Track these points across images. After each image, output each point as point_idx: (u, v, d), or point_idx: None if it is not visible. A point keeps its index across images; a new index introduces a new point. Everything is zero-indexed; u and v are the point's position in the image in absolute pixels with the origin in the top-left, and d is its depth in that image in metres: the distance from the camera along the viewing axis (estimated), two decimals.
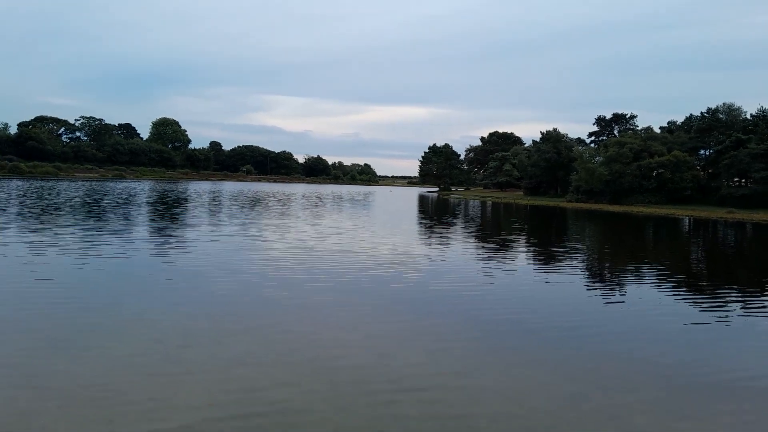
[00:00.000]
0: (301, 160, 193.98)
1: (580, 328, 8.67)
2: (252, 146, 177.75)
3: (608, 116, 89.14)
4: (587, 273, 14.89)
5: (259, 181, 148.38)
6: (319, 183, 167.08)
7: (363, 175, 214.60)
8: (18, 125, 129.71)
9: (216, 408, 5.19)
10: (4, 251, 13.66)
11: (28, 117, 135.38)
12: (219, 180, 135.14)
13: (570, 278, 13.51)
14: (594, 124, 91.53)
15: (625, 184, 59.77)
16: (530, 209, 52.41)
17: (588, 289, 12.25)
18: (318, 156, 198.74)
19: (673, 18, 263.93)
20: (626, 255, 19.54)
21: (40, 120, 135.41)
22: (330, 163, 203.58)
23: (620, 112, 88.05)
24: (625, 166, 60.05)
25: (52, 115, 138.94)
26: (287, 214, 32.19)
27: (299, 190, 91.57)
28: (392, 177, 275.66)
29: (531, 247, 20.76)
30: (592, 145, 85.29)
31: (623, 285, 13.09)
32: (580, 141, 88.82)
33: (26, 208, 27.63)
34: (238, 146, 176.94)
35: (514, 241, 23.20)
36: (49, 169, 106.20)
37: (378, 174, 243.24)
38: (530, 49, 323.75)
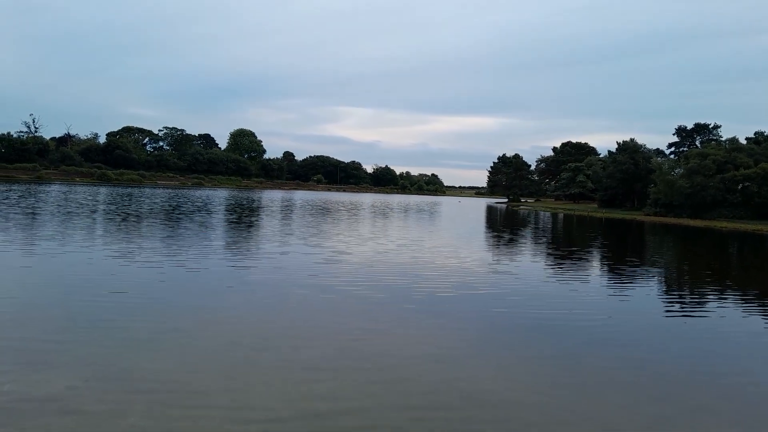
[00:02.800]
0: (369, 170, 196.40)
1: (663, 351, 8.38)
2: (323, 156, 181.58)
3: (689, 126, 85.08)
4: (673, 294, 14.30)
5: (329, 190, 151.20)
6: (387, 193, 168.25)
7: (430, 186, 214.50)
8: (107, 135, 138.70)
9: (292, 412, 5.33)
10: (90, 254, 14.68)
11: (116, 127, 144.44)
12: (291, 189, 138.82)
13: (655, 300, 13.03)
14: (674, 134, 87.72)
15: (707, 197, 56.71)
16: (605, 222, 50.73)
17: (676, 316, 11.78)
18: (386, 166, 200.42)
19: (762, 23, 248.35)
20: (711, 274, 18.57)
21: (127, 130, 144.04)
22: (398, 173, 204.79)
23: (702, 122, 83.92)
24: (707, 179, 57.01)
25: (138, 126, 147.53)
26: (360, 224, 32.70)
27: (367, 199, 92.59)
28: (459, 187, 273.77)
29: (621, 265, 20.15)
30: (672, 156, 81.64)
31: (705, 308, 12.47)
32: (659, 152, 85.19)
33: (115, 214, 29.47)
34: (310, 156, 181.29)
35: (605, 257, 22.57)
36: (134, 176, 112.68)
37: (445, 184, 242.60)
38: (605, 58, 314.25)
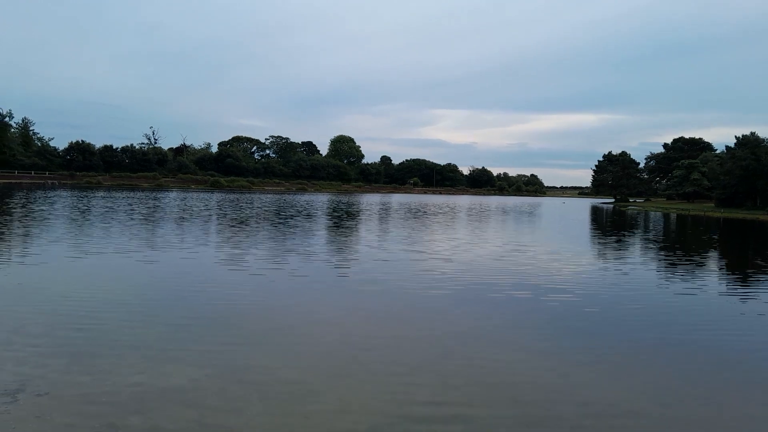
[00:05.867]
0: (465, 171, 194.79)
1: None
2: (419, 159, 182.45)
3: None
4: None
5: (425, 193, 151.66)
6: (484, 194, 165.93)
7: (529, 186, 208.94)
8: (218, 144, 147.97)
9: (398, 415, 5.35)
10: (203, 255, 15.64)
11: (227, 137, 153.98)
12: (388, 192, 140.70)
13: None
14: None
15: None
16: (723, 222, 46.92)
17: None
18: (482, 167, 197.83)
19: None
20: None
21: (236, 139, 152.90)
22: (495, 174, 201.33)
23: None
24: None
25: (246, 135, 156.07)
26: (458, 226, 32.49)
27: (464, 201, 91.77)
28: (561, 188, 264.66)
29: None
30: None
31: None
32: None
33: (232, 219, 31.26)
34: (406, 160, 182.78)
35: (728, 263, 20.95)
36: (243, 183, 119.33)
37: (545, 185, 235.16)
38: (717, 46, 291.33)
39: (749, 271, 16.89)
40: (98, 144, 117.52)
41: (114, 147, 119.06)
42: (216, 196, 67.16)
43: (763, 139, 73.60)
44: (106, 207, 36.58)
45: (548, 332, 8.62)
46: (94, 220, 26.26)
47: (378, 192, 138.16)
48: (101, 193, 61.47)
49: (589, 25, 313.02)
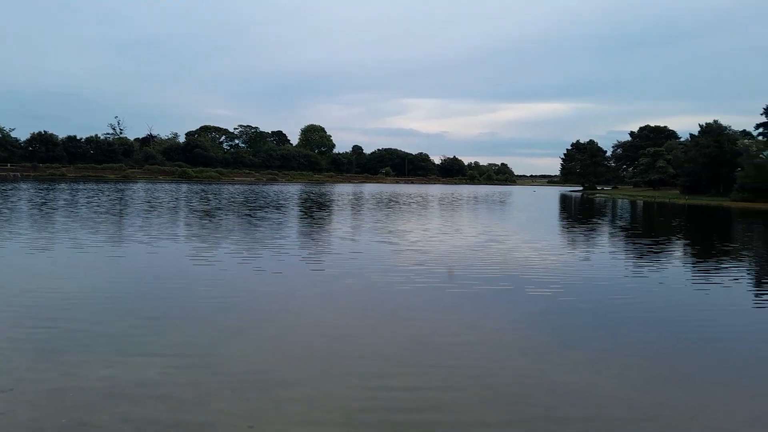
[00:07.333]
0: (437, 161, 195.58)
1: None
2: (390, 149, 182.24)
3: None
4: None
5: (397, 182, 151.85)
6: (455, 183, 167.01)
7: (500, 175, 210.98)
8: (186, 134, 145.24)
9: (372, 403, 5.36)
10: (171, 249, 15.42)
11: (194, 127, 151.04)
12: (360, 182, 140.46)
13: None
14: (762, 114, 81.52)
15: None
16: (688, 209, 48.12)
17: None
18: (454, 156, 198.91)
19: None
20: None
21: (204, 129, 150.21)
22: (466, 163, 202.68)
23: None
24: None
25: (215, 125, 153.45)
26: (431, 216, 32.63)
27: (436, 191, 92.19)
28: (531, 176, 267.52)
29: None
30: (761, 137, 76.17)
31: None
32: (745, 134, 79.50)
33: (202, 212, 30.78)
34: (378, 149, 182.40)
35: (691, 247, 21.48)
36: (212, 173, 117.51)
37: (515, 173, 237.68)
38: (683, 36, 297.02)
39: (723, 258, 17.35)
40: (62, 135, 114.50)
41: (78, 138, 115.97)
42: (184, 188, 66.12)
43: (726, 127, 75.51)
44: (70, 200, 35.70)
45: (521, 319, 8.73)
46: (58, 213, 25.60)
47: (350, 182, 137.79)
48: (65, 185, 59.95)
49: (558, 15, 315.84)
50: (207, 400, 5.29)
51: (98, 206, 30.16)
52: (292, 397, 5.43)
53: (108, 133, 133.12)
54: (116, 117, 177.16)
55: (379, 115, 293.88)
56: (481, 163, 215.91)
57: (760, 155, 58.61)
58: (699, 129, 79.08)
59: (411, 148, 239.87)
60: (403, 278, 11.63)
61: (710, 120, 77.72)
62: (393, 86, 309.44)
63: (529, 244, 18.43)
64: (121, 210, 28.54)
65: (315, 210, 33.85)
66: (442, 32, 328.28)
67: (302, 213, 31.12)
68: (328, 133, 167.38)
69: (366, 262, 13.69)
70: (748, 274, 13.88)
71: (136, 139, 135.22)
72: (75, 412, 4.95)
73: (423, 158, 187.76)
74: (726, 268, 14.42)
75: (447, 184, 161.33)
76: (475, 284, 11.15)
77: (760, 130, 79.73)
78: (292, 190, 68.56)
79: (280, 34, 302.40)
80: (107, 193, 46.33)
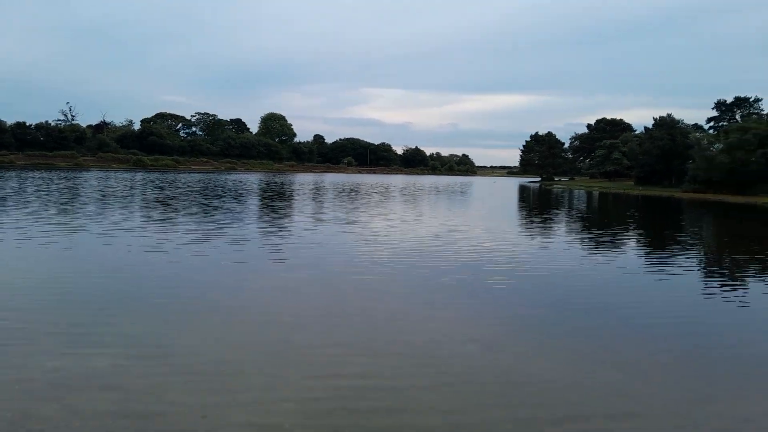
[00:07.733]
0: (399, 151, 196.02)
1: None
2: (353, 139, 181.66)
3: (729, 100, 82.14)
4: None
5: (359, 172, 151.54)
6: (417, 174, 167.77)
7: (461, 166, 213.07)
8: (141, 122, 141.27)
9: (326, 391, 5.39)
10: (123, 239, 15.07)
11: (150, 114, 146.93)
12: (321, 172, 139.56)
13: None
14: (713, 108, 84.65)
15: (749, 173, 54.85)
16: (642, 199, 49.62)
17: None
18: (416, 147, 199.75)
19: None
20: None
21: (160, 116, 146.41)
22: (428, 154, 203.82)
23: (743, 96, 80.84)
24: (748, 154, 55.05)
25: (171, 112, 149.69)
26: (393, 206, 32.73)
27: (398, 181, 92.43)
28: (491, 167, 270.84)
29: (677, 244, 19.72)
30: (712, 131, 79.07)
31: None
32: (697, 127, 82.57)
33: (156, 200, 30.09)
34: (340, 139, 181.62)
35: (644, 236, 22.14)
36: (168, 162, 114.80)
37: (476, 164, 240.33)
38: (639, 31, 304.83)
39: (677, 246, 17.97)
40: (10, 121, 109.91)
41: (27, 124, 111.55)
42: (139, 176, 64.48)
43: (679, 121, 78.04)
44: (17, 188, 34.42)
45: (479, 307, 8.89)
46: (5, 203, 24.66)
47: (311, 171, 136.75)
48: (13, 173, 57.70)
49: (520, 10, 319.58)
50: (159, 391, 5.23)
51: (47, 195, 29.15)
52: (245, 387, 5.41)
53: (59, 120, 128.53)
54: (68, 103, 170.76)
55: (341, 104, 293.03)
56: (442, 154, 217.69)
57: (711, 148, 60.86)
58: (653, 122, 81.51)
59: (374, 138, 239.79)
60: (362, 268, 11.67)
61: (664, 114, 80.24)
62: (355, 76, 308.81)
63: (490, 233, 18.72)
64: (71, 199, 27.65)
65: (275, 200, 33.53)
66: (405, 23, 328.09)
67: (262, 203, 30.80)
68: (288, 122, 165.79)
69: (326, 253, 13.67)
70: (698, 263, 14.44)
71: (89, 126, 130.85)
72: (20, 405, 4.83)
73: (385, 148, 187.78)
74: (677, 257, 14.97)
75: (409, 174, 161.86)
76: (433, 274, 11.29)
77: (711, 123, 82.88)
78: (251, 179, 67.66)
79: (239, 20, 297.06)
80: (57, 181, 44.80)
